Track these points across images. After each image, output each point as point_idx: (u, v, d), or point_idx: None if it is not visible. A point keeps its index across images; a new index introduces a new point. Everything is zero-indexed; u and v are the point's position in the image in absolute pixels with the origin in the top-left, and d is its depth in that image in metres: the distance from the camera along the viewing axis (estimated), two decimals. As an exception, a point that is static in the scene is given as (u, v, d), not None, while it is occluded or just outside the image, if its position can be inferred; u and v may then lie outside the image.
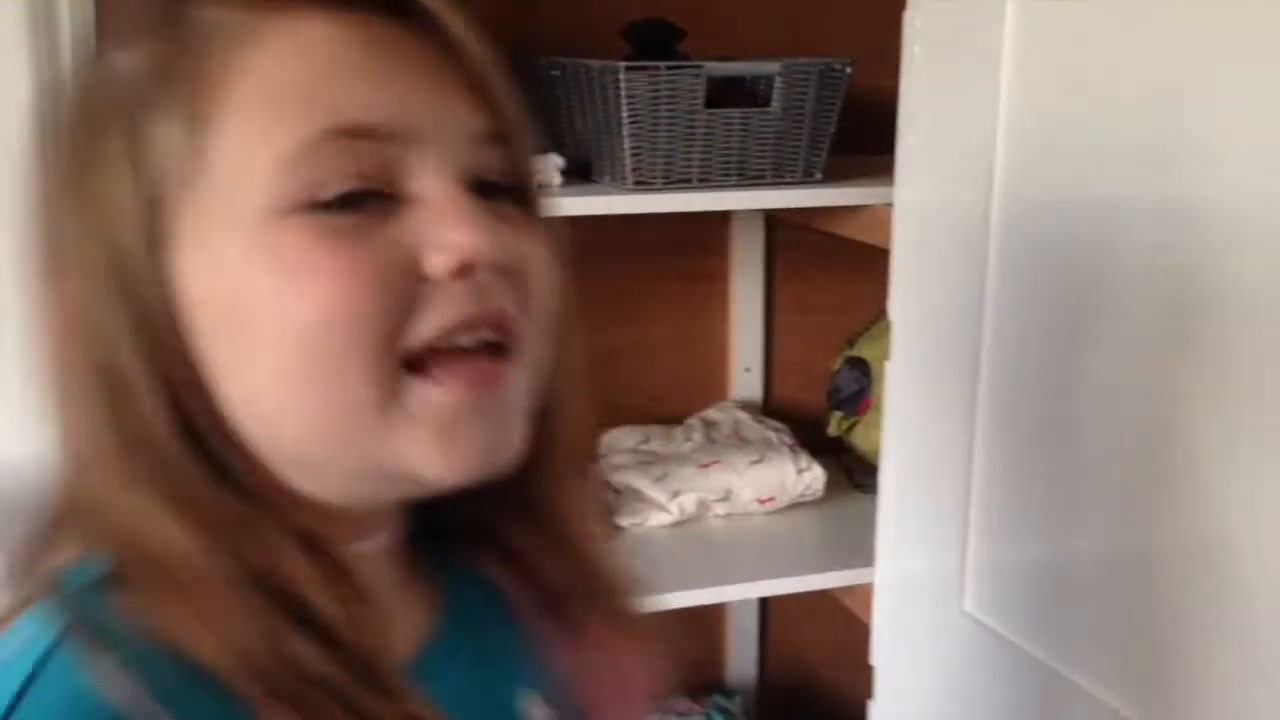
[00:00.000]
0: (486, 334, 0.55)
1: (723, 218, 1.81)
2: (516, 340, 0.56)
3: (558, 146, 1.51)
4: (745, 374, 1.86)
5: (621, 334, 1.80)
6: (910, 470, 1.36)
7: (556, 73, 1.47)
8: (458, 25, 0.55)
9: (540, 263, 0.59)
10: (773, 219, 1.81)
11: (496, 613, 0.66)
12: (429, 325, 0.53)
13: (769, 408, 1.88)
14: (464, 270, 0.53)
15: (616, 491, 1.64)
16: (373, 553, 0.59)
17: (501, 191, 0.58)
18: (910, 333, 1.33)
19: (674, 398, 1.84)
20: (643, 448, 1.72)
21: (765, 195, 1.43)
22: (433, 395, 0.53)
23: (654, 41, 1.51)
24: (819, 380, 1.80)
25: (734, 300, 1.83)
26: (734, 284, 1.83)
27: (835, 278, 1.87)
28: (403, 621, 0.61)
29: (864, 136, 1.56)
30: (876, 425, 1.49)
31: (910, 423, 1.35)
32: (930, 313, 1.30)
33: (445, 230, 0.53)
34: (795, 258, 1.86)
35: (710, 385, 1.86)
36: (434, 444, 0.53)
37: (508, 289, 0.55)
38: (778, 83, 1.41)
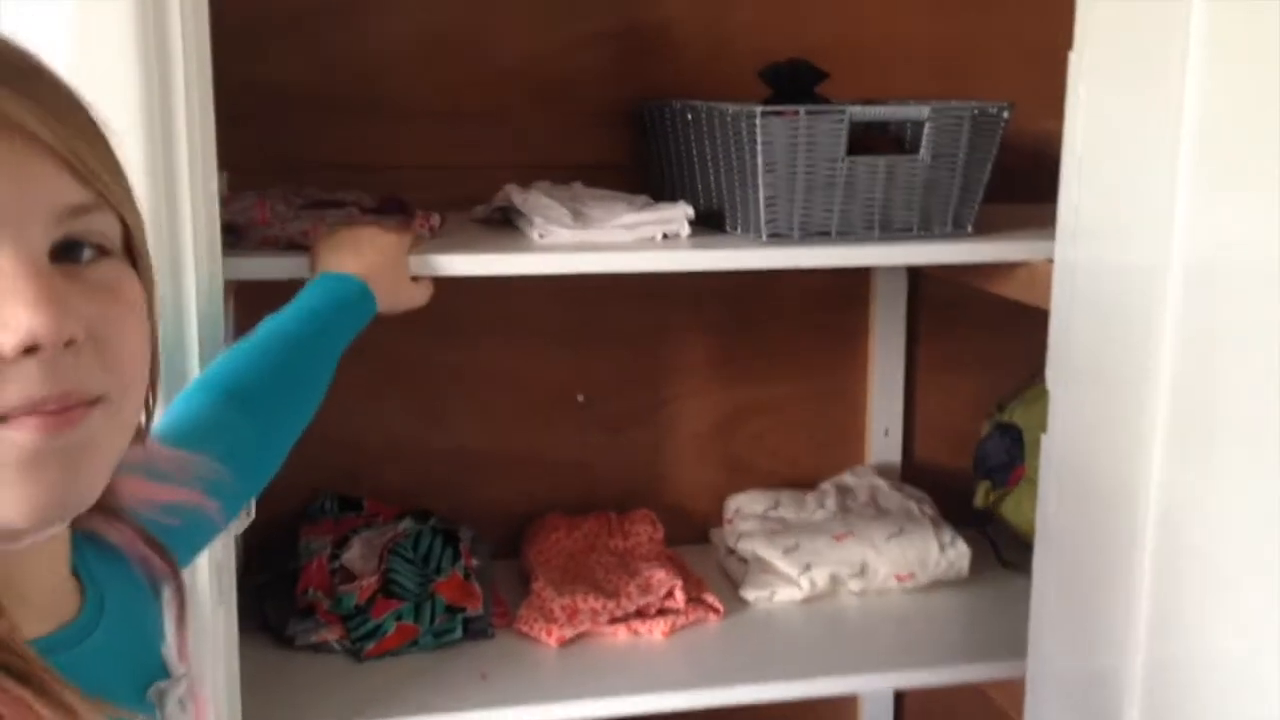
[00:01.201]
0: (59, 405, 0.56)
1: (863, 268, 1.70)
2: (97, 401, 0.57)
3: (689, 194, 1.43)
4: (884, 437, 1.73)
5: (751, 391, 1.70)
6: (1068, 553, 1.22)
7: (689, 116, 1.39)
8: (30, 113, 0.55)
9: (124, 324, 0.59)
10: (917, 269, 1.69)
11: (124, 573, 0.68)
12: (4, 401, 0.55)
13: (909, 474, 1.75)
14: (31, 349, 0.54)
15: (743, 560, 1.54)
16: (20, 548, 0.59)
17: (104, 253, 0.59)
18: (1070, 403, 1.20)
19: (807, 460, 1.73)
20: (772, 514, 1.61)
21: (910, 250, 1.32)
22: (6, 436, 0.55)
23: (794, 84, 1.42)
24: (964, 445, 1.67)
25: (873, 356, 1.72)
26: (873, 338, 1.72)
27: (984, 333, 1.73)
28: (54, 603, 0.63)
29: (1021, 182, 1.44)
30: (1029, 499, 1.36)
31: (1069, 501, 1.22)
32: (1094, 382, 1.16)
33: (11, 311, 0.54)
34: (940, 311, 1.73)
35: (846, 448, 1.75)
36: (10, 485, 0.55)
37: (87, 356, 0.57)
38: (927, 128, 1.30)
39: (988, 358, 1.74)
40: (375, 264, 1.06)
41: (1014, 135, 1.39)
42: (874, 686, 1.39)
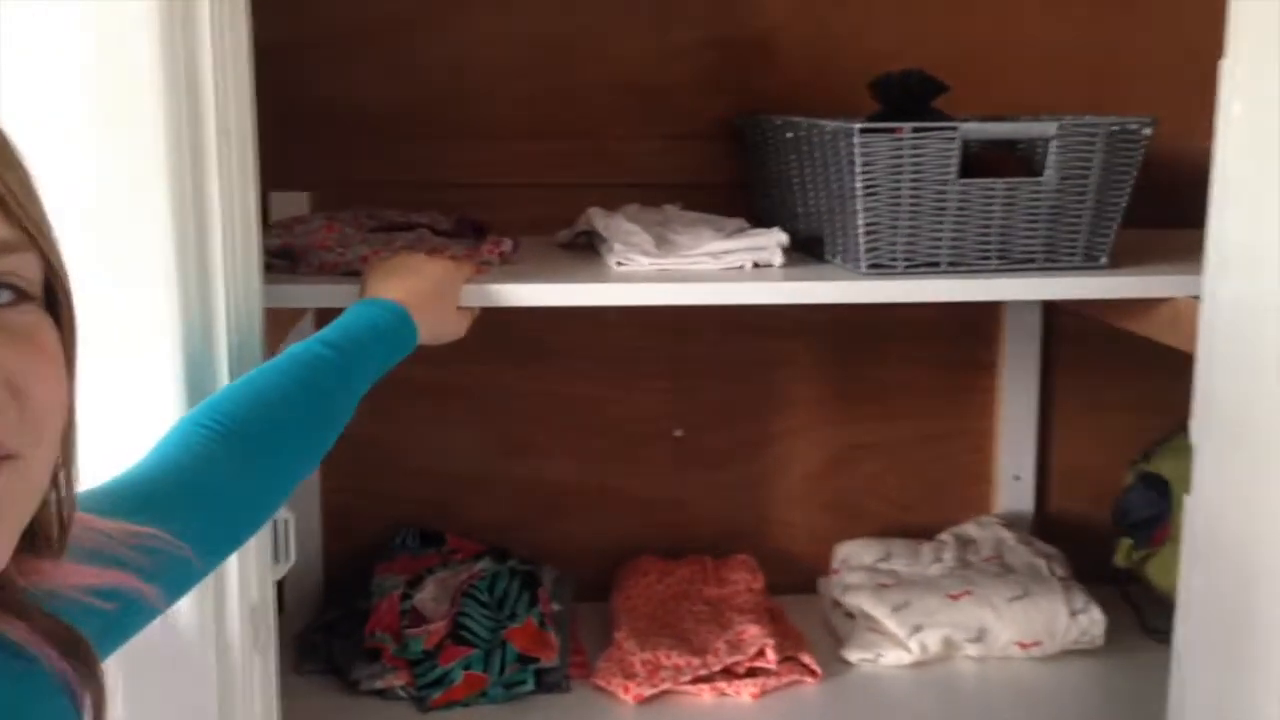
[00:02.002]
0: None
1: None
2: (6, 458, 0.52)
3: (788, 218, 1.32)
4: (1014, 482, 1.58)
5: (865, 428, 1.57)
6: (1214, 629, 1.06)
7: (787, 133, 1.28)
8: None
9: (43, 376, 0.54)
10: (1059, 303, 1.53)
11: (33, 681, 0.59)
12: None
13: (1041, 525, 1.59)
14: None
15: (849, 616, 1.42)
16: None
17: (23, 297, 0.54)
18: (1217, 460, 1.05)
19: (926, 507, 1.59)
20: (882, 566, 1.48)
21: (1032, 284, 1.17)
22: None
23: (906, 98, 1.29)
24: (1106, 495, 1.50)
25: (1003, 393, 1.57)
26: (1003, 373, 1.57)
27: (1130, 369, 1.56)
28: None
29: (1167, 207, 1.28)
30: (1177, 561, 1.20)
31: (1215, 571, 1.06)
32: (1245, 438, 1.01)
33: None
34: (1080, 344, 1.57)
35: (971, 494, 1.60)
36: None
37: (2, 407, 0.51)
38: (1053, 147, 1.16)
39: (1134, 397, 1.57)
40: (420, 291, 0.99)
41: (1163, 154, 1.24)
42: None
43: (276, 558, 0.97)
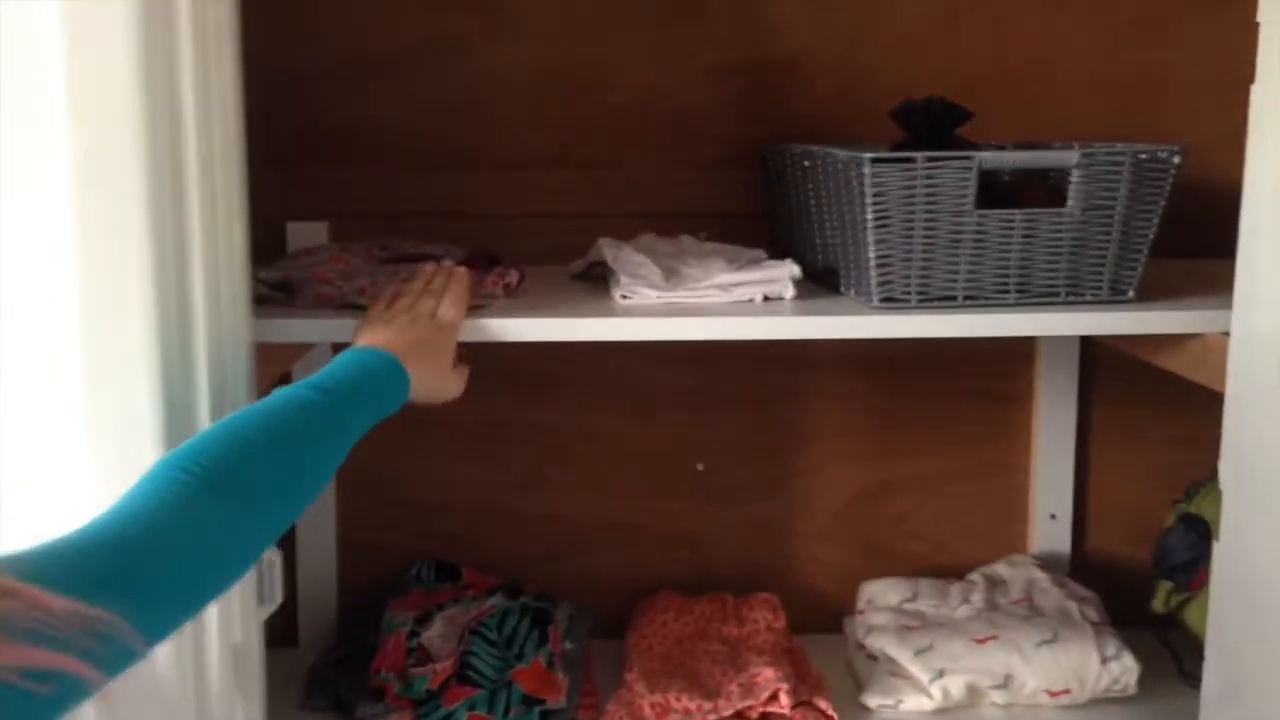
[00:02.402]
0: None
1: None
2: None
3: (807, 250, 1.29)
4: (1050, 521, 1.53)
5: (895, 464, 1.53)
6: (1245, 683, 1.01)
7: (805, 162, 1.25)
8: None
9: None
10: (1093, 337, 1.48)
11: None
12: None
13: (1078, 566, 1.53)
14: None
15: (872, 658, 1.37)
16: None
17: None
18: (1247, 505, 0.99)
19: (959, 546, 1.54)
20: (908, 607, 1.43)
21: (1053, 320, 1.13)
22: None
23: (929, 126, 1.26)
24: (1146, 535, 1.44)
25: (1038, 428, 1.52)
26: (1038, 407, 1.52)
27: (1172, 404, 1.49)
28: None
29: (1203, 238, 1.23)
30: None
31: (1245, 623, 1.01)
32: (1277, 482, 0.95)
33: None
34: (1119, 377, 1.51)
35: (1004, 533, 1.55)
36: None
37: None
38: (1076, 176, 1.12)
39: (1176, 432, 1.52)
40: (413, 342, 0.97)
41: (1197, 182, 1.19)
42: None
43: (261, 599, 0.96)
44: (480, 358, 1.48)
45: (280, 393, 0.86)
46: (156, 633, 0.70)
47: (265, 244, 1.34)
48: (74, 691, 0.61)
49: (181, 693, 0.86)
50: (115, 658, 0.64)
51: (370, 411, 0.91)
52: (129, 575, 0.67)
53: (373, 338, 0.96)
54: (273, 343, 1.04)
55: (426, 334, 0.99)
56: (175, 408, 0.84)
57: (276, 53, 1.38)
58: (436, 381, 1.01)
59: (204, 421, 0.86)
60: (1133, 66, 1.45)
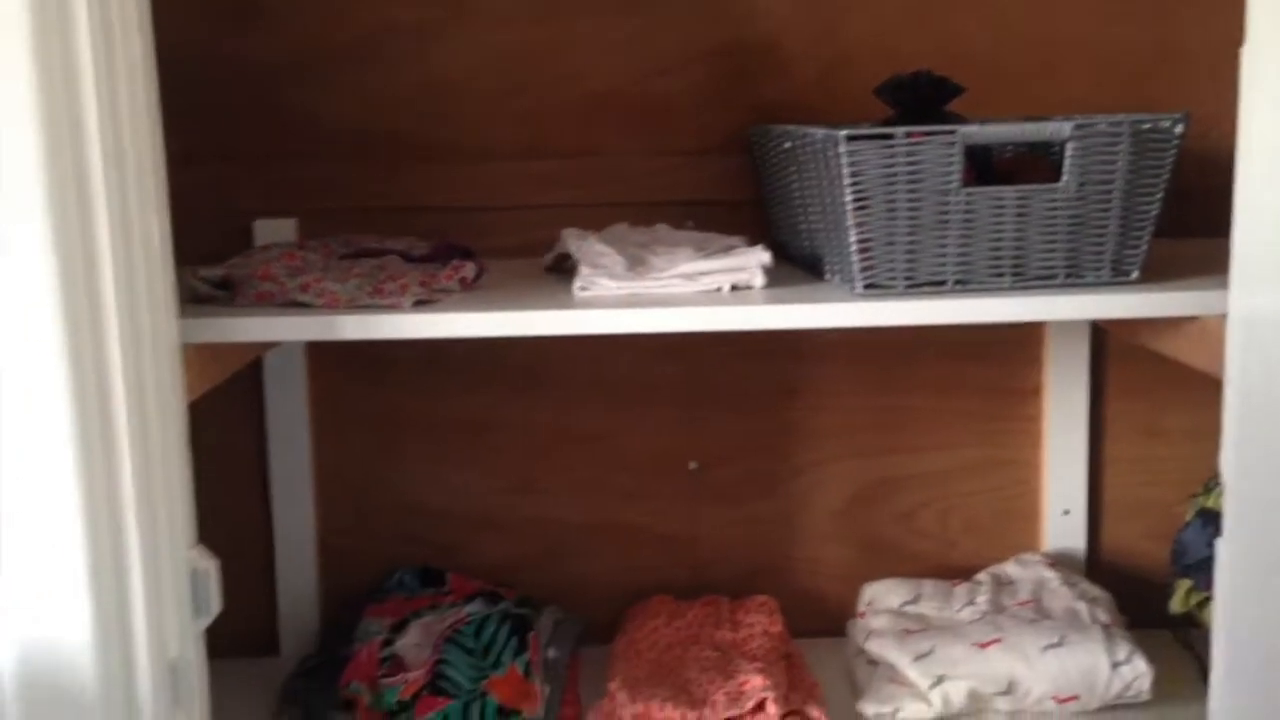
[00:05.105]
0: None
1: (1035, 319, 1.43)
2: None
3: (790, 235, 1.23)
4: (1063, 518, 1.45)
5: (900, 460, 1.46)
6: (1254, 685, 0.94)
7: (786, 144, 1.19)
8: None
9: None
10: (1099, 322, 1.41)
11: None
12: None
13: (1094, 564, 1.46)
14: None
15: (872, 663, 1.30)
16: None
17: None
18: (1252, 499, 0.92)
19: (967, 544, 1.47)
20: (910, 609, 1.36)
21: (1049, 303, 1.06)
22: None
23: (917, 102, 1.19)
24: (1164, 531, 1.36)
25: (1050, 421, 1.44)
26: (1049, 399, 1.44)
27: (1189, 394, 1.42)
28: None
29: (1219, 216, 1.15)
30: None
31: (1253, 624, 0.93)
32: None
33: None
34: (1133, 368, 1.44)
35: (1015, 531, 1.47)
36: None
37: None
38: (1071, 149, 1.05)
39: (1194, 424, 1.44)
40: None
41: (1207, 153, 1.12)
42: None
43: (197, 610, 0.91)
44: (462, 356, 1.44)
45: None
46: None
47: (232, 242, 1.31)
48: None
49: (107, 713, 0.81)
50: None
51: None
52: None
53: None
54: (217, 343, 0.99)
55: None
56: (89, 410, 0.79)
57: (239, 48, 1.34)
58: None
59: (121, 423, 0.81)
60: (1134, 40, 1.37)
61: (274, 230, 1.33)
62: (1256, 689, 0.94)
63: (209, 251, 1.16)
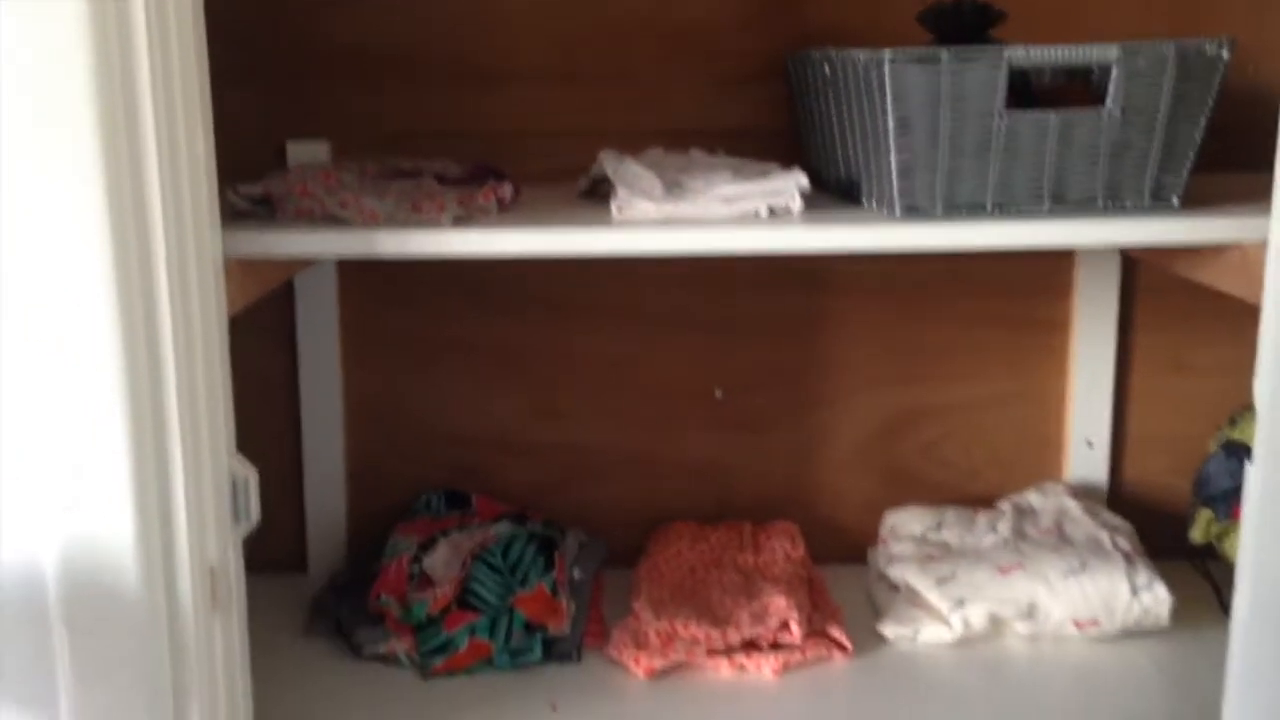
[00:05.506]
0: None
1: (1065, 251, 1.43)
2: None
3: (828, 162, 1.22)
4: (1086, 449, 1.46)
5: (925, 391, 1.46)
6: (1274, 601, 0.95)
7: (826, 69, 1.18)
8: None
9: None
10: (1131, 254, 1.40)
11: None
12: None
13: (1116, 496, 1.47)
14: None
15: (893, 589, 1.32)
16: None
17: None
18: (1287, 427, 0.92)
19: (990, 474, 1.48)
20: (933, 536, 1.37)
21: (1089, 228, 1.05)
22: None
23: (959, 28, 1.18)
24: (1188, 464, 1.37)
25: (1075, 353, 1.44)
26: (1076, 332, 1.44)
27: (1217, 327, 1.43)
28: None
29: (1251, 150, 1.15)
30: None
31: (1277, 539, 0.94)
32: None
33: None
34: (1162, 300, 1.44)
35: (1038, 461, 1.48)
36: None
37: None
38: (1116, 73, 1.04)
39: (1221, 358, 1.44)
40: None
41: (1250, 85, 1.11)
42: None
43: (236, 517, 0.92)
44: (491, 281, 1.44)
45: None
46: None
47: (265, 164, 1.31)
48: None
49: (152, 616, 0.83)
50: None
51: None
52: None
53: None
54: (255, 259, 1.00)
55: None
56: (134, 317, 0.80)
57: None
58: None
59: (166, 330, 0.82)
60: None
61: (307, 152, 1.32)
62: (1276, 609, 0.95)
63: (243, 173, 1.16)
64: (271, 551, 1.35)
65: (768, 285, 1.43)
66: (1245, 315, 1.11)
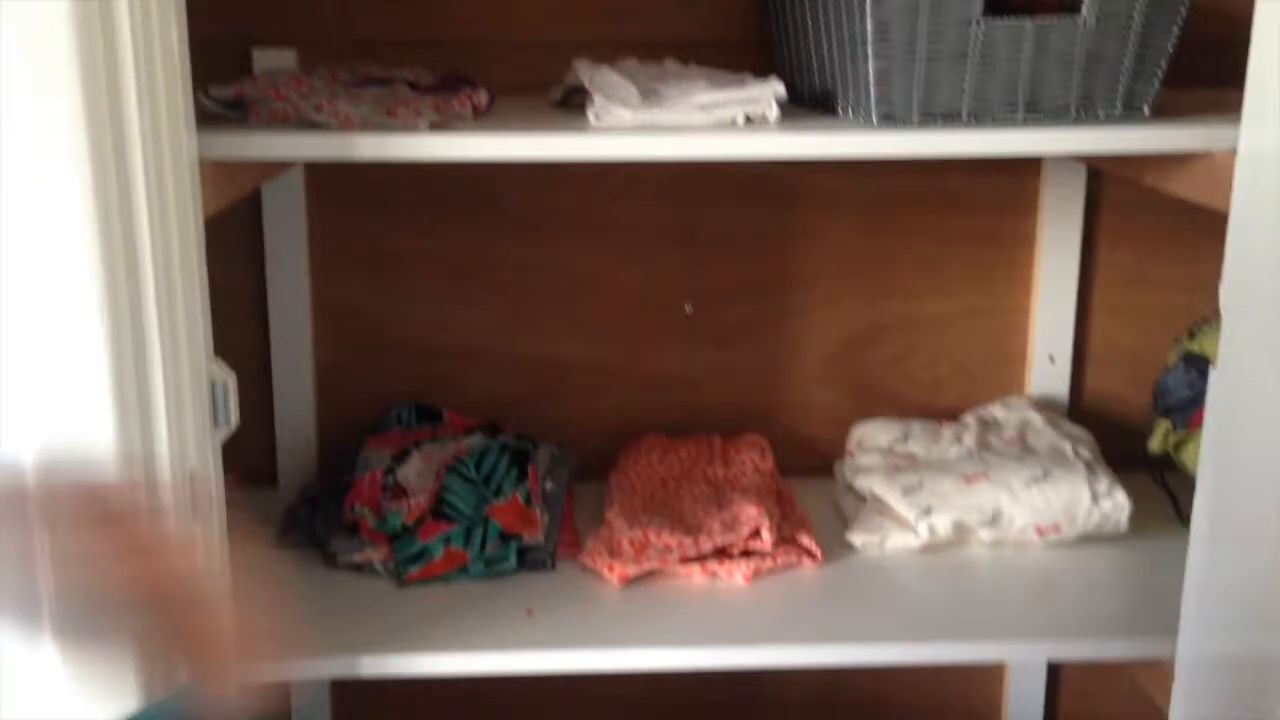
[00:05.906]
0: None
1: (1031, 165, 1.44)
2: None
3: (803, 73, 1.22)
4: (1049, 364, 1.48)
5: (892, 306, 1.48)
6: (1234, 513, 0.98)
7: (800, -23, 1.18)
8: None
9: None
10: (1098, 169, 1.42)
11: None
12: None
13: (1078, 408, 1.50)
14: None
15: (860, 499, 1.35)
16: None
17: None
18: (1249, 329, 0.94)
19: (953, 389, 1.51)
20: (899, 448, 1.40)
21: (1059, 136, 1.06)
22: None
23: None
24: (1147, 378, 1.40)
25: (1040, 269, 1.46)
26: (1041, 248, 1.46)
27: (1179, 244, 1.46)
28: None
29: (1218, 67, 1.16)
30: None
31: (1239, 449, 0.97)
32: (1284, 306, 0.91)
33: None
34: (1125, 217, 1.46)
35: (1001, 375, 1.51)
36: None
37: None
38: (1091, -18, 1.04)
39: (1183, 274, 1.47)
40: None
41: (1221, 6, 1.11)
42: (984, 657, 1.17)
43: (215, 421, 0.92)
44: (462, 194, 1.43)
45: None
46: None
47: (230, 72, 1.28)
48: None
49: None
50: None
51: None
52: None
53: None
54: (229, 161, 0.98)
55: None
56: (111, 224, 0.78)
57: None
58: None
59: (143, 230, 0.80)
60: None
61: (273, 59, 1.30)
62: (1240, 510, 0.98)
63: (208, 81, 1.13)
64: (240, 465, 1.34)
65: (738, 200, 1.43)
66: (1206, 231, 1.13)
